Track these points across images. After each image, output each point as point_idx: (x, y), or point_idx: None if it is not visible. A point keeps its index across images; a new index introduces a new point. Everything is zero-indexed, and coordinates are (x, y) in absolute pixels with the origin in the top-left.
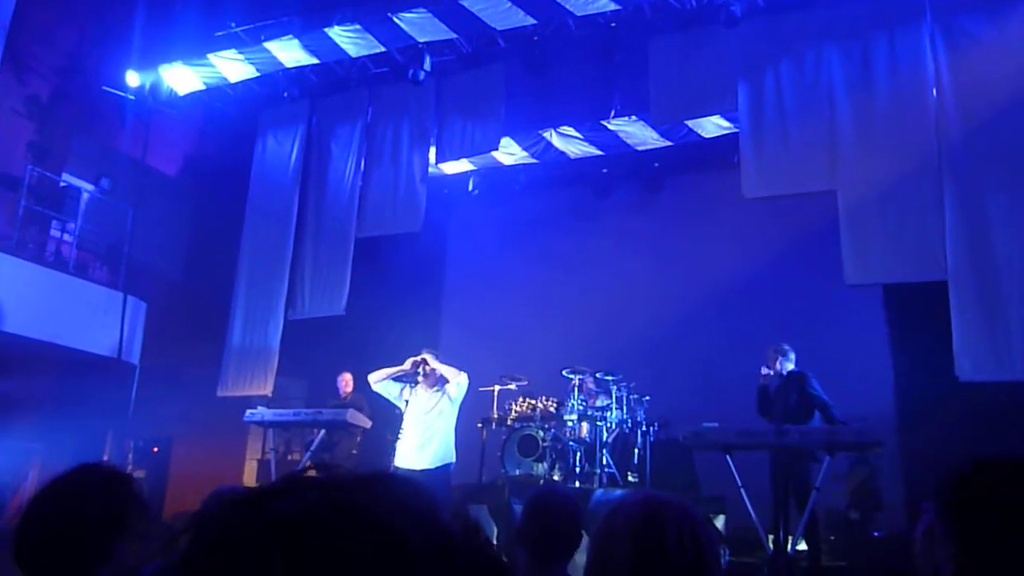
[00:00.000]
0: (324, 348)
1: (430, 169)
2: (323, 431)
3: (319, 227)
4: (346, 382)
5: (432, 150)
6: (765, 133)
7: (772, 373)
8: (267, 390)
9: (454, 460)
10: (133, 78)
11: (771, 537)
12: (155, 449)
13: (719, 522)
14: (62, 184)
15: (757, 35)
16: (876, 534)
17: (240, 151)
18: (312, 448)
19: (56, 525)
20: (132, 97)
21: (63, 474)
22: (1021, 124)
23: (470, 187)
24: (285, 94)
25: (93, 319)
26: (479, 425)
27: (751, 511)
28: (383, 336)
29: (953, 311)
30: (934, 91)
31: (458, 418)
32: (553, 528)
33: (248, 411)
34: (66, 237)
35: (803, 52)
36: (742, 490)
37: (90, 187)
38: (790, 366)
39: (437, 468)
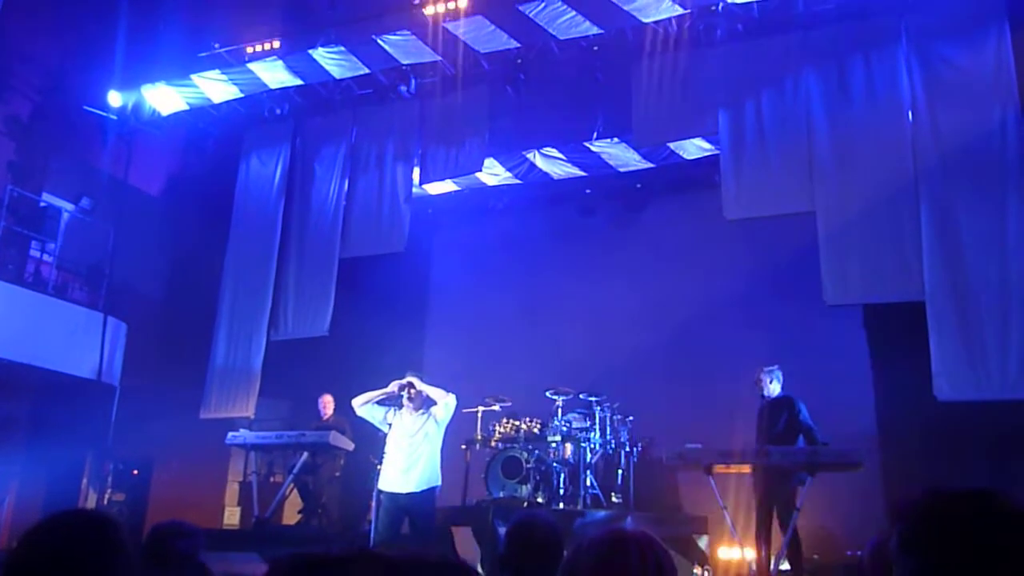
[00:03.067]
0: (307, 369)
1: (414, 189)
2: (306, 453)
3: (303, 248)
4: (325, 404)
5: (416, 171)
6: (745, 156)
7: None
8: (249, 412)
9: (440, 483)
10: (115, 98)
11: (754, 556)
12: (135, 472)
13: (702, 543)
14: (42, 204)
15: (737, 60)
16: (858, 552)
17: (223, 171)
18: (295, 471)
19: (46, 565)
20: (114, 117)
21: (53, 515)
22: (995, 146)
23: (454, 207)
24: (271, 113)
25: (73, 340)
26: (463, 447)
27: (733, 531)
28: (366, 357)
29: (931, 331)
30: (910, 114)
31: (443, 440)
32: (535, 553)
33: (230, 433)
34: (46, 257)
35: (782, 76)
36: (725, 510)
37: (70, 207)
38: (778, 388)
39: (423, 492)
